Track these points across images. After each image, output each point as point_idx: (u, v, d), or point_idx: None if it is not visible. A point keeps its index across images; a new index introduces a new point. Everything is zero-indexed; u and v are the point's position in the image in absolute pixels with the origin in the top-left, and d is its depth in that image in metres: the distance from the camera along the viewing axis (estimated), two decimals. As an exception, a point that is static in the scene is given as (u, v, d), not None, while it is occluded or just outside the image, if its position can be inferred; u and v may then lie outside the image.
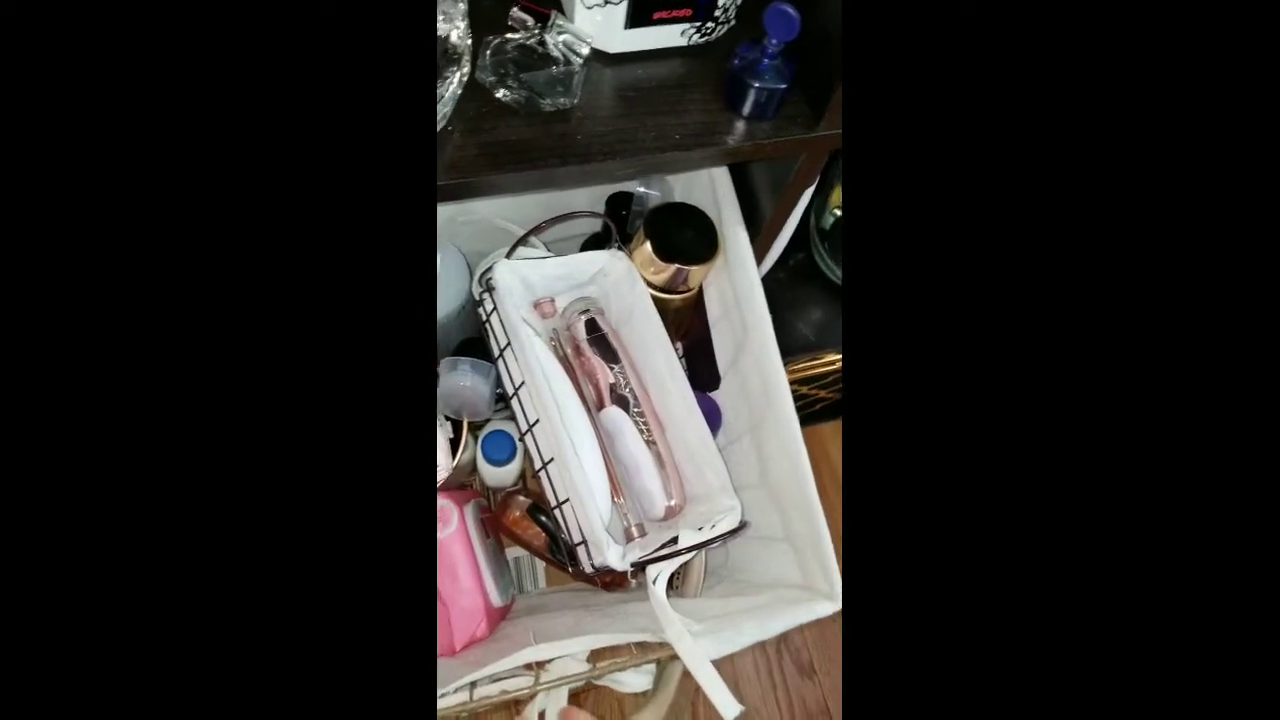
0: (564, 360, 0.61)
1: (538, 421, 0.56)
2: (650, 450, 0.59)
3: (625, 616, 0.55)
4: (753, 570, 0.59)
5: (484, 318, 0.59)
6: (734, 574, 0.62)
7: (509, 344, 0.57)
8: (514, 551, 0.77)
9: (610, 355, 0.62)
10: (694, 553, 0.52)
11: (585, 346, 0.62)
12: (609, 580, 0.66)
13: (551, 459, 0.55)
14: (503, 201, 0.67)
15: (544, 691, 0.49)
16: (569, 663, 0.50)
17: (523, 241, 0.61)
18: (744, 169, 0.63)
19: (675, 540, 0.53)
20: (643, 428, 0.60)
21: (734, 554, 0.62)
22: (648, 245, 0.61)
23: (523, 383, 0.57)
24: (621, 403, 0.60)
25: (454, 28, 0.38)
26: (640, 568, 0.52)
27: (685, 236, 0.61)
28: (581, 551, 0.54)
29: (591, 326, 0.62)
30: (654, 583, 0.52)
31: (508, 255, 0.60)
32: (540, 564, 0.79)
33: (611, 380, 0.61)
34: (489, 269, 0.58)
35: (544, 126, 0.45)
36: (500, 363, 0.59)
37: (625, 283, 0.62)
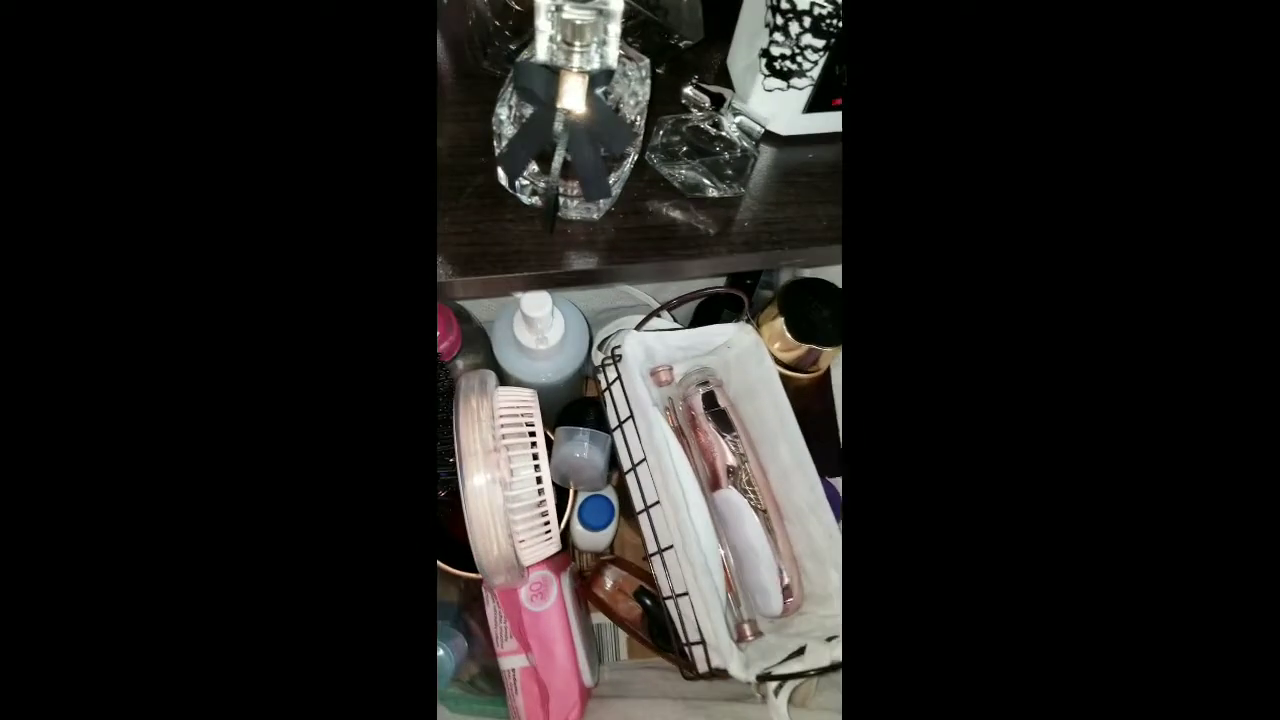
0: (677, 431, 0.58)
1: (657, 503, 0.53)
2: (769, 540, 0.55)
3: (734, 722, 0.52)
4: (873, 683, 0.55)
5: (604, 386, 0.57)
6: (849, 682, 0.57)
7: (630, 417, 0.54)
8: (595, 617, 0.74)
9: (728, 431, 0.58)
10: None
11: (703, 420, 0.59)
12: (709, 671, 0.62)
13: (670, 546, 0.52)
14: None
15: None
16: (679, 775, 0.47)
17: (655, 314, 0.59)
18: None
19: (802, 651, 0.48)
20: (759, 513, 0.56)
21: (849, 660, 0.58)
22: (779, 321, 0.57)
23: (642, 460, 0.54)
24: (739, 485, 0.57)
25: (640, 111, 0.36)
26: (762, 678, 0.48)
27: (822, 316, 0.58)
28: (698, 651, 0.50)
29: (709, 400, 0.59)
30: (776, 695, 0.48)
31: (637, 327, 0.57)
32: (623, 634, 0.76)
33: (730, 461, 0.57)
34: (612, 336, 0.56)
35: (709, 210, 0.43)
36: (618, 434, 0.56)
37: (751, 357, 0.59)
